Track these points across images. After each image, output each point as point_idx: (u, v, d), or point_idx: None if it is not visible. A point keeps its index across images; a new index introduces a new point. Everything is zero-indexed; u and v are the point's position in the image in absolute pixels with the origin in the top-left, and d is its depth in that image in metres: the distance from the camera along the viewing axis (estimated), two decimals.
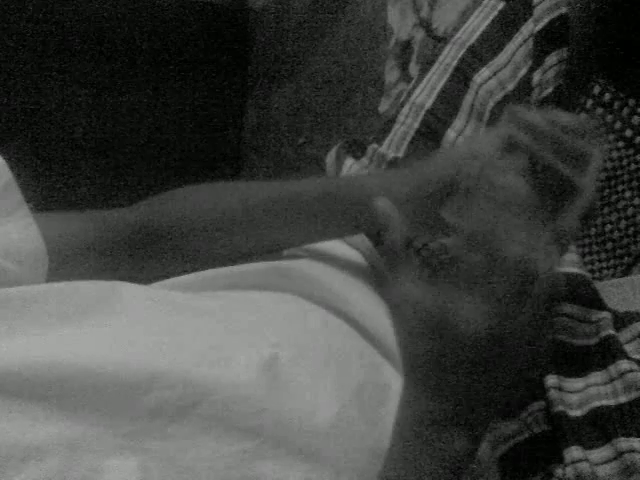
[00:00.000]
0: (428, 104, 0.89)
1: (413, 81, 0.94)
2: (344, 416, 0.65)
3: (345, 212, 0.77)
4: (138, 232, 0.79)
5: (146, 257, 0.79)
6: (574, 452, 0.72)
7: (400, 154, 0.92)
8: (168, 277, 0.78)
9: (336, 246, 0.85)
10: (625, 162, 0.93)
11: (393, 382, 0.73)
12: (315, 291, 0.76)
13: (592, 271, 1.01)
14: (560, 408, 0.75)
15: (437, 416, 0.57)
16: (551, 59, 0.87)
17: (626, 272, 1.01)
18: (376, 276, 0.83)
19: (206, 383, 0.60)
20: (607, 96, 0.92)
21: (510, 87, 0.87)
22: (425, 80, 0.90)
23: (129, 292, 0.67)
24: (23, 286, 0.63)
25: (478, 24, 0.89)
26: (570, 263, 0.83)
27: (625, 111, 0.92)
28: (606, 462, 0.72)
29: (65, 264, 0.71)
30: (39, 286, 0.64)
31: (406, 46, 1.27)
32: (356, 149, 0.95)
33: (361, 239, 0.86)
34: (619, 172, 0.94)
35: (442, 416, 0.57)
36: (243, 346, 0.66)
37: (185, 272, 0.79)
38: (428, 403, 0.57)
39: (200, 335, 0.66)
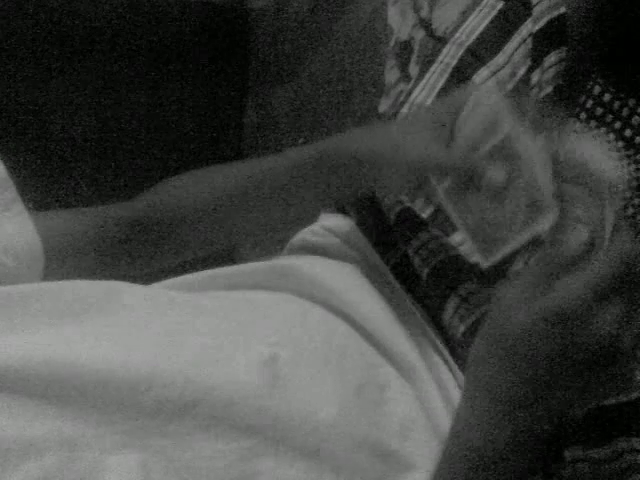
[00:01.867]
0: (427, 104, 0.89)
1: (412, 81, 0.94)
2: (344, 415, 0.65)
3: (337, 173, 0.77)
4: (133, 226, 0.79)
5: (144, 250, 0.79)
6: (574, 451, 0.72)
7: None
8: (166, 273, 0.78)
9: (334, 244, 0.85)
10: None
11: (393, 382, 0.73)
12: (315, 291, 0.76)
13: None
14: None
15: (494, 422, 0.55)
16: (550, 59, 0.87)
17: None
18: (375, 275, 0.83)
19: (206, 382, 0.60)
20: (607, 96, 0.92)
21: (509, 87, 0.87)
22: (424, 80, 0.90)
23: (129, 291, 0.67)
24: (23, 284, 0.63)
25: (477, 24, 0.88)
26: None
27: (625, 111, 0.92)
28: (606, 462, 0.72)
29: (62, 261, 0.72)
30: (39, 284, 0.65)
31: (406, 46, 1.27)
32: None
33: (360, 239, 0.86)
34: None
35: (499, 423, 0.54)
36: (243, 345, 0.66)
37: (183, 263, 0.79)
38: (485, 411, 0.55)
39: (200, 334, 0.66)
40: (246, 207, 0.80)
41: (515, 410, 0.54)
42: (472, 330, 0.78)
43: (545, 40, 0.87)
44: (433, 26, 1.17)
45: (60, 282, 0.64)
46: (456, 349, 0.80)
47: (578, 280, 0.51)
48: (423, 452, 0.70)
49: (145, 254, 0.79)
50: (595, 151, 0.62)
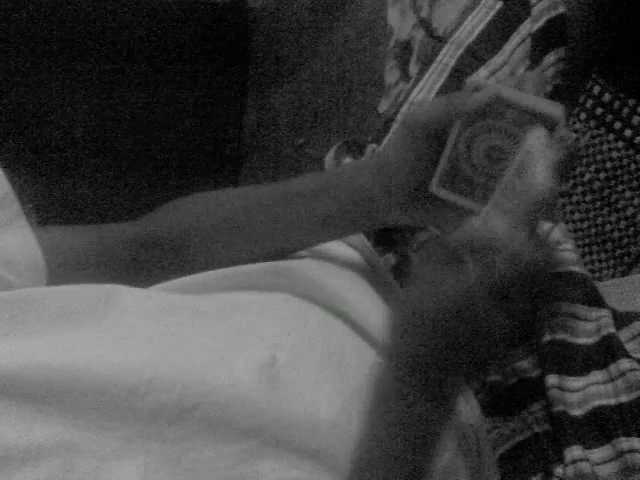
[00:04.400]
0: (426, 102, 0.89)
1: (412, 81, 0.94)
2: (344, 416, 0.66)
3: (342, 207, 0.77)
4: (139, 246, 0.79)
5: (148, 269, 0.79)
6: (574, 451, 0.73)
7: None
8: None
9: (335, 246, 0.85)
10: (625, 162, 0.94)
11: None
12: (314, 291, 0.76)
13: (592, 271, 1.01)
14: (561, 407, 0.75)
15: (413, 388, 0.59)
16: (549, 59, 0.87)
17: (626, 272, 1.01)
18: (375, 275, 0.83)
19: (205, 385, 0.60)
20: (607, 96, 0.92)
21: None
22: (423, 80, 0.90)
23: (128, 295, 0.67)
24: (23, 289, 0.63)
25: (476, 24, 0.89)
26: (570, 262, 0.83)
27: (625, 111, 0.92)
28: (606, 462, 0.73)
29: (65, 277, 0.71)
30: (38, 289, 0.65)
31: (406, 46, 1.27)
32: (355, 149, 0.95)
33: (360, 239, 0.86)
34: (619, 172, 0.94)
35: (417, 388, 0.59)
36: (242, 347, 0.66)
37: None
38: (405, 378, 0.59)
39: (199, 337, 0.66)
40: (250, 230, 0.79)
41: (429, 371, 0.59)
42: None
43: (544, 40, 0.87)
44: (433, 26, 1.17)
45: (59, 287, 0.64)
46: None
47: (482, 274, 0.57)
48: None
49: (150, 273, 0.78)
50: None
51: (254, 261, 0.79)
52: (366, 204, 0.75)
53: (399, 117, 0.92)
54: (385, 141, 0.93)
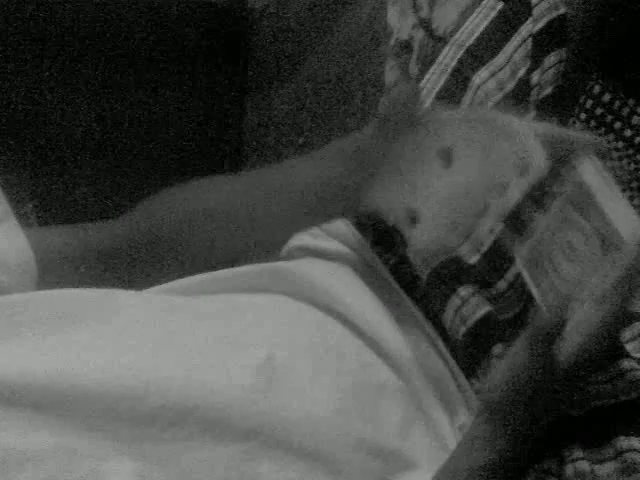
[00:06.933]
0: (426, 105, 0.89)
1: (412, 82, 0.94)
2: (341, 415, 0.66)
3: (320, 175, 0.78)
4: (132, 241, 0.78)
5: (145, 267, 0.79)
6: (574, 451, 0.73)
7: None
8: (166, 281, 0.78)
9: (331, 246, 0.85)
10: (625, 162, 0.93)
11: (389, 382, 0.73)
12: (311, 292, 0.76)
13: None
14: None
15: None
16: (550, 59, 0.87)
17: None
18: (372, 275, 0.83)
19: (203, 387, 0.60)
20: (607, 96, 0.92)
21: (509, 88, 0.86)
22: (424, 81, 0.90)
23: (124, 298, 0.67)
24: (17, 294, 0.63)
25: (477, 24, 0.88)
26: None
27: (625, 111, 0.92)
28: (606, 461, 0.73)
29: (57, 276, 0.71)
30: (33, 293, 0.65)
31: (406, 46, 1.27)
32: None
33: (358, 239, 0.86)
34: (619, 172, 0.94)
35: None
36: (240, 349, 0.66)
37: (184, 276, 0.78)
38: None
39: (196, 339, 0.66)
40: (246, 220, 0.79)
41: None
42: (473, 331, 0.78)
43: (545, 41, 0.87)
44: (433, 26, 1.17)
45: (54, 290, 0.64)
46: (456, 350, 0.80)
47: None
48: (423, 451, 0.70)
49: (148, 271, 0.78)
50: (619, 206, 0.63)
51: (253, 257, 0.79)
52: (344, 169, 0.77)
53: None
54: None
